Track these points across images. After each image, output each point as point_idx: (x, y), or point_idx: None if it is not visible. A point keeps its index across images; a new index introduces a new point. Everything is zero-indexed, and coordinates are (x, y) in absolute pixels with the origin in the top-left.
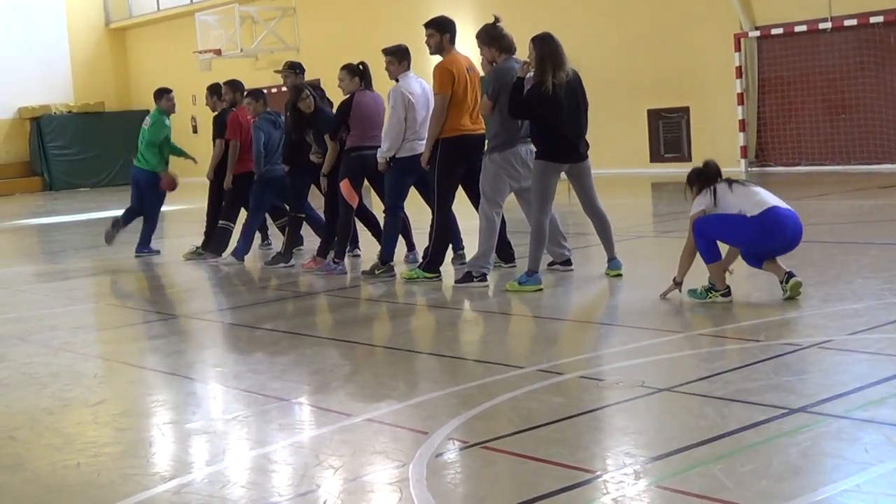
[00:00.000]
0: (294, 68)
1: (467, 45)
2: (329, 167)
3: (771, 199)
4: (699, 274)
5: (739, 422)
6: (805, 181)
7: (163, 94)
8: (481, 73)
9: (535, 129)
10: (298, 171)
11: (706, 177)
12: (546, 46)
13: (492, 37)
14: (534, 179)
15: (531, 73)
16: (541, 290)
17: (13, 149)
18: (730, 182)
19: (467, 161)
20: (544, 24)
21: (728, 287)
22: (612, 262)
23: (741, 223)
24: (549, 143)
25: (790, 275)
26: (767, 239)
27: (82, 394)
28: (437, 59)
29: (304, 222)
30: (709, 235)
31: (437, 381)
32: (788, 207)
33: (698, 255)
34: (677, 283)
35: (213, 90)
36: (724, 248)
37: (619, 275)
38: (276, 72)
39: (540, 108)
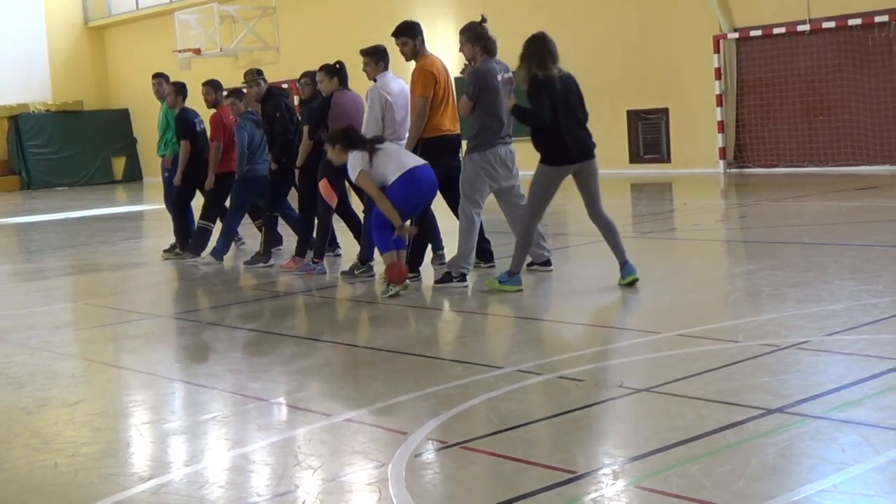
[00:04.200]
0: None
1: (448, 46)
2: (302, 160)
3: (410, 161)
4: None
5: (717, 422)
6: (783, 182)
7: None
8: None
9: (537, 136)
10: (288, 168)
11: (351, 139)
12: (534, 44)
13: (479, 36)
14: (535, 183)
15: (512, 73)
16: (521, 290)
17: None
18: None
19: (443, 162)
20: (526, 25)
21: (417, 272)
22: (626, 267)
23: (392, 189)
24: (553, 147)
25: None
26: (410, 197)
27: (60, 393)
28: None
29: (284, 221)
30: (382, 225)
31: (416, 382)
32: (425, 164)
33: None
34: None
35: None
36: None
37: (636, 280)
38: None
39: (545, 98)
